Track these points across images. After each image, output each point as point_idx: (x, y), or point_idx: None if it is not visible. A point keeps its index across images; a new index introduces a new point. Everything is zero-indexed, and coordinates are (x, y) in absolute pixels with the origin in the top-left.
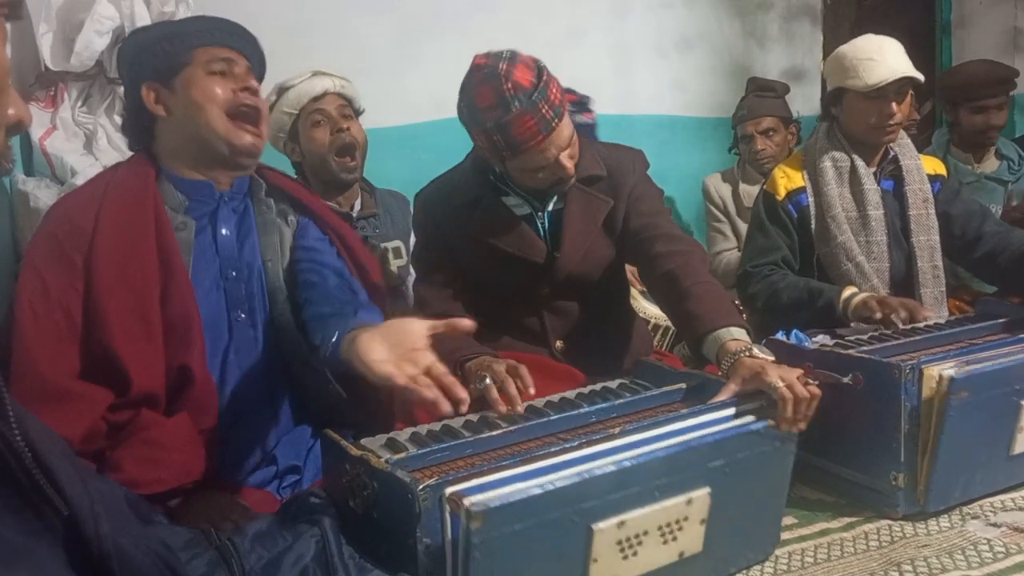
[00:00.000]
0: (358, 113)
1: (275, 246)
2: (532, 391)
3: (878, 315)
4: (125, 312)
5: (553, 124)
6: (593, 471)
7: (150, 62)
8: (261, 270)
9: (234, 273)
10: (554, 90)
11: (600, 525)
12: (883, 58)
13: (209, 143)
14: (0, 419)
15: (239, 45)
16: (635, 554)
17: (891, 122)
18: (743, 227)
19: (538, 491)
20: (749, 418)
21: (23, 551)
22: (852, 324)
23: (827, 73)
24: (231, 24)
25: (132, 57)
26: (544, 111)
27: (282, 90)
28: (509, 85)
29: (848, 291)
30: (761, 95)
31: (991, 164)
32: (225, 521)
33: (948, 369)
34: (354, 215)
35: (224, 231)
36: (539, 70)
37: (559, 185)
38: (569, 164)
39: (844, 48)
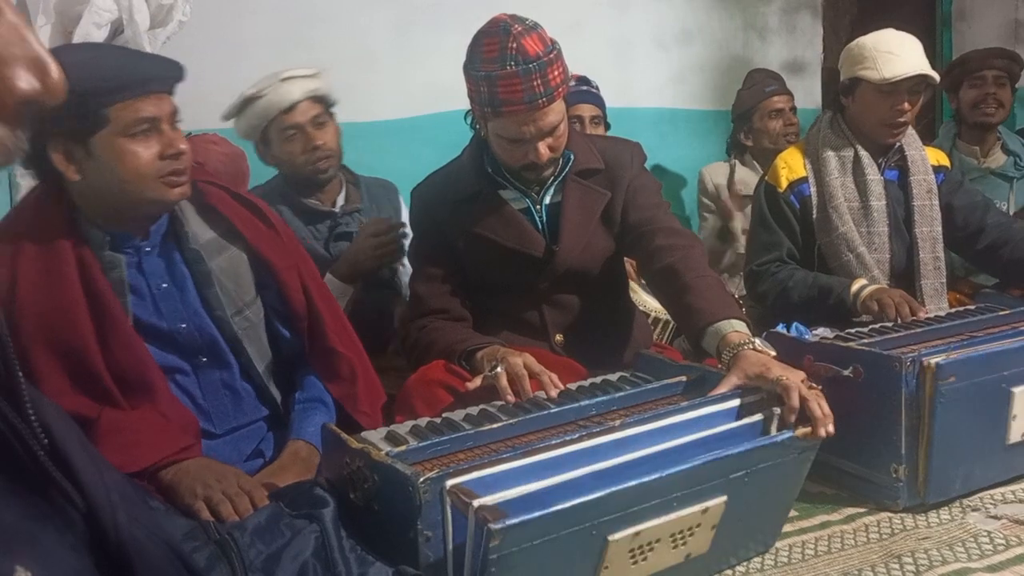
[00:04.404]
0: (331, 106)
1: (218, 297)
2: (553, 393)
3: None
4: (57, 367)
5: (539, 101)
6: (615, 486)
7: (56, 121)
8: (210, 321)
9: (183, 325)
10: (555, 72)
11: (616, 536)
12: (902, 53)
13: (137, 205)
14: (13, 404)
15: (159, 85)
16: (645, 559)
17: (900, 119)
18: (737, 217)
19: (560, 507)
20: (758, 421)
21: (25, 535)
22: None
23: (843, 62)
24: (147, 63)
25: None
26: (535, 83)
27: (249, 100)
28: (514, 45)
29: (857, 284)
30: (774, 81)
31: (997, 159)
32: (221, 483)
33: (936, 356)
34: (338, 211)
35: (163, 284)
36: (551, 49)
37: (531, 171)
38: (544, 152)
39: (864, 39)
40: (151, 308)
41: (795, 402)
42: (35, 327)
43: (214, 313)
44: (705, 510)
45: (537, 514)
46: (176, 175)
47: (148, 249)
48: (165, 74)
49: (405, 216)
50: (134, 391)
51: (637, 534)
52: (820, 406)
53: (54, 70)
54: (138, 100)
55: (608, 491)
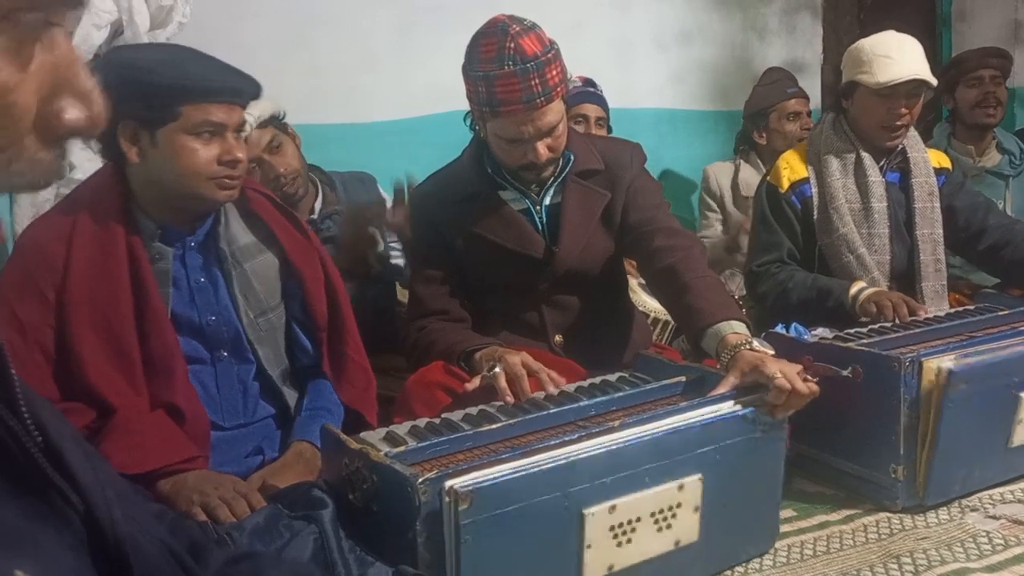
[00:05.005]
0: (281, 119)
1: (243, 299)
2: (552, 390)
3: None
4: (100, 348)
5: (537, 101)
6: (580, 454)
7: (131, 104)
8: (237, 318)
9: (213, 318)
10: (553, 72)
11: (591, 510)
12: (900, 57)
13: (186, 199)
14: (7, 402)
15: (234, 97)
16: (629, 541)
17: (898, 123)
18: (735, 216)
19: (524, 472)
20: (738, 406)
21: (25, 536)
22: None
23: (843, 65)
24: (226, 74)
25: (111, 88)
26: (533, 83)
27: None
28: (512, 45)
29: (856, 287)
30: (793, 82)
31: (992, 158)
32: (218, 490)
33: (947, 361)
34: (316, 217)
35: (202, 279)
36: (549, 49)
37: (530, 171)
38: (543, 152)
39: (864, 42)
40: (187, 300)
41: (780, 402)
42: (84, 307)
43: (237, 310)
44: (681, 487)
45: (505, 477)
46: (229, 179)
47: (192, 244)
48: (243, 88)
49: (388, 204)
50: (157, 379)
51: (613, 508)
52: (795, 400)
53: (100, 103)
54: (211, 104)
55: (573, 458)
